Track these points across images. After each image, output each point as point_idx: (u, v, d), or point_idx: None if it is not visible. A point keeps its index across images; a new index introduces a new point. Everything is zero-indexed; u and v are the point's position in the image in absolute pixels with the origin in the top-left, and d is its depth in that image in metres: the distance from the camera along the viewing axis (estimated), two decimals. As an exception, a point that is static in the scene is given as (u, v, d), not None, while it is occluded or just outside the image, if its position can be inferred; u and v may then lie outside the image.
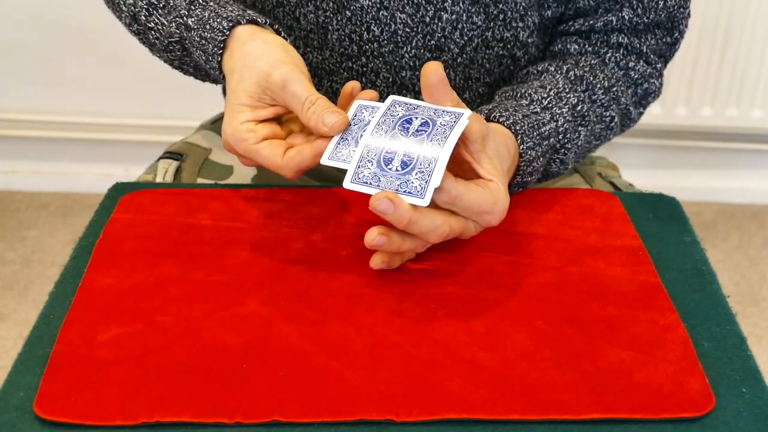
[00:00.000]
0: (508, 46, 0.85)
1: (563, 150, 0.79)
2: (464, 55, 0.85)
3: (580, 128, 0.80)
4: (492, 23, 0.83)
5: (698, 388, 0.59)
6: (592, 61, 0.85)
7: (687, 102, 1.94)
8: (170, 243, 0.72)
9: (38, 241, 1.93)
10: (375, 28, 0.83)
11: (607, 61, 0.86)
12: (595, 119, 0.82)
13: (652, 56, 0.87)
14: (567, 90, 0.81)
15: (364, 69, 0.86)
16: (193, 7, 0.78)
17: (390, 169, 0.64)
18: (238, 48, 0.73)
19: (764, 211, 2.09)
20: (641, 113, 0.89)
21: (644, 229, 0.76)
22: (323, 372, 0.60)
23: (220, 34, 0.75)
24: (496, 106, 0.78)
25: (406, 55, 0.85)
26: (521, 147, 0.75)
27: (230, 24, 0.75)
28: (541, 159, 0.77)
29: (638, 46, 0.86)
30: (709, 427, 0.57)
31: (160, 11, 0.80)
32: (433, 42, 0.84)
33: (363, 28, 0.84)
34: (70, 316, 0.64)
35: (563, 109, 0.79)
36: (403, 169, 0.63)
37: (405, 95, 0.86)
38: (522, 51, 0.86)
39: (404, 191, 0.63)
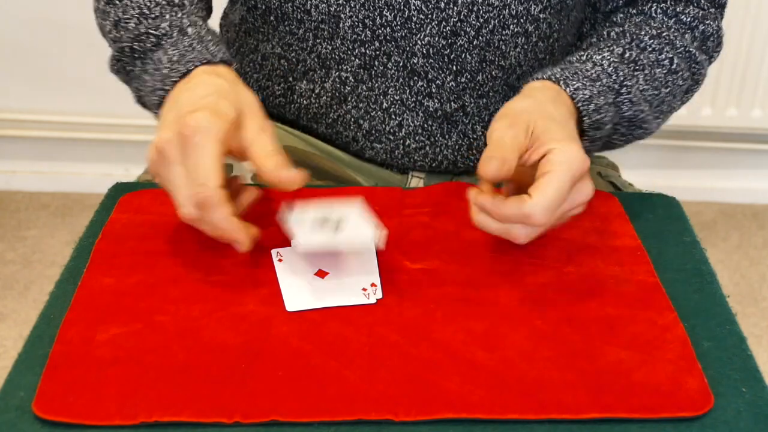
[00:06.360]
0: (521, 20, 0.84)
1: (624, 89, 0.78)
2: (480, 38, 0.84)
3: (636, 72, 0.80)
4: (509, 0, 0.83)
5: (697, 387, 0.59)
6: (637, 20, 0.86)
7: (687, 102, 1.94)
8: (169, 243, 0.72)
9: (38, 241, 1.93)
10: (388, 14, 0.83)
11: (653, 14, 0.86)
12: (650, 63, 0.81)
13: (703, 1, 0.87)
14: (609, 44, 0.82)
15: (377, 53, 0.85)
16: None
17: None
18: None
19: (764, 211, 2.09)
20: (709, 60, 0.88)
21: (644, 229, 0.76)
22: (322, 372, 0.59)
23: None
24: (530, 77, 0.78)
25: (419, 42, 0.84)
26: (568, 90, 0.75)
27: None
28: (601, 98, 0.76)
29: None
30: (709, 427, 0.57)
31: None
32: (448, 28, 0.83)
33: (376, 13, 0.83)
34: (69, 315, 0.64)
35: (604, 54, 0.80)
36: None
37: (416, 82, 0.86)
38: (533, 26, 0.85)
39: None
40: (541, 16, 0.85)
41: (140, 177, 0.91)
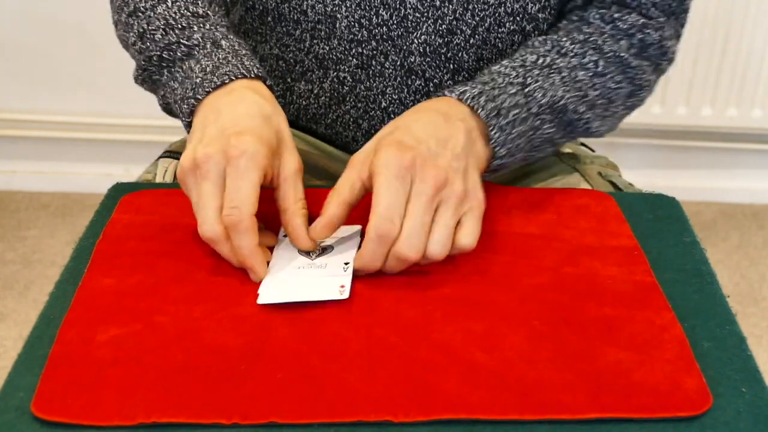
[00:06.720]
0: (518, 18, 0.84)
1: (531, 80, 0.77)
2: (476, 36, 0.84)
3: (551, 75, 0.78)
4: None
5: (695, 387, 0.59)
6: (571, 26, 0.84)
7: (687, 102, 1.94)
8: (170, 243, 0.72)
9: (38, 241, 1.93)
10: (384, 13, 0.83)
11: (591, 20, 0.84)
12: (571, 67, 0.80)
13: (651, 9, 0.85)
14: (521, 53, 0.80)
15: (374, 52, 0.85)
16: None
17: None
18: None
19: (764, 211, 2.09)
20: (655, 67, 0.86)
21: (644, 229, 0.76)
22: (321, 373, 0.59)
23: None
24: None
25: (416, 41, 0.84)
26: (453, 95, 0.74)
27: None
28: (495, 91, 0.75)
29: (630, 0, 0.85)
30: (708, 427, 0.57)
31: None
32: (444, 26, 0.83)
33: (372, 13, 0.83)
34: (69, 316, 0.64)
35: (513, 63, 0.78)
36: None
37: (414, 81, 0.86)
38: (531, 25, 0.85)
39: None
40: (540, 15, 0.85)
41: (141, 177, 0.91)
